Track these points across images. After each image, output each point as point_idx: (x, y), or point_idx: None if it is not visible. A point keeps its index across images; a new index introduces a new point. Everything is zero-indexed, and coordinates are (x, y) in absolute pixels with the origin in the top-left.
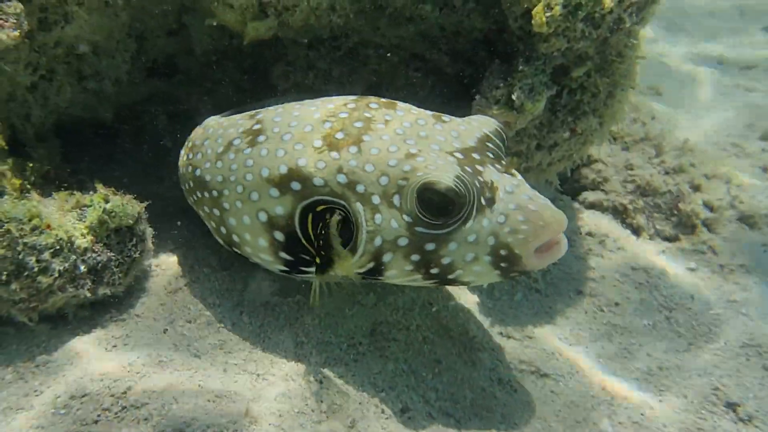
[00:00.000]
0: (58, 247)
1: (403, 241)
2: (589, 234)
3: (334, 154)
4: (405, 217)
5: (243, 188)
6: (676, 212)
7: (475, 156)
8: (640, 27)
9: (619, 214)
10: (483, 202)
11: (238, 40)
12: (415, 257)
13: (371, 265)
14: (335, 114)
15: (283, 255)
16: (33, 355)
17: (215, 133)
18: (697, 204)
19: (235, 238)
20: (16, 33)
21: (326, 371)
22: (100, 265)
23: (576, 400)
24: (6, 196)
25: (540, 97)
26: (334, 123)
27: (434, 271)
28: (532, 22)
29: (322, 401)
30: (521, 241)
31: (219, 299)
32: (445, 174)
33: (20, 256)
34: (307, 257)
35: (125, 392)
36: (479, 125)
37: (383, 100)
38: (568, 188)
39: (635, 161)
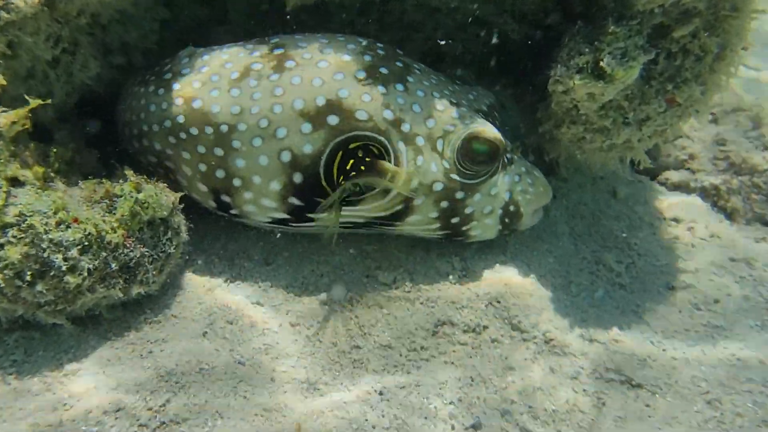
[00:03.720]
0: (86, 243)
1: (438, 186)
2: (675, 219)
3: (380, 87)
4: (444, 162)
5: (268, 122)
6: None
7: (490, 120)
8: None
9: (710, 195)
10: (506, 159)
11: (278, 5)
12: (444, 204)
13: (399, 207)
14: (373, 49)
15: (293, 200)
16: (61, 363)
17: (217, 59)
18: None
19: (236, 182)
20: None
21: (386, 380)
22: (132, 261)
23: (679, 417)
24: (28, 187)
25: (634, 63)
26: (374, 57)
27: (454, 220)
28: None
29: (383, 416)
30: (528, 200)
31: (262, 297)
32: (488, 126)
33: (45, 254)
34: (322, 200)
35: (164, 405)
36: (486, 95)
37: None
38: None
39: (728, 135)
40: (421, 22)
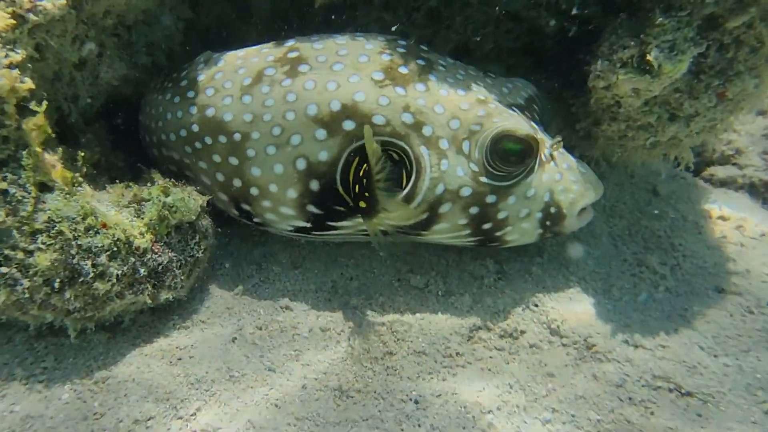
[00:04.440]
0: (115, 249)
1: (466, 191)
2: (722, 218)
3: (399, 89)
4: (472, 165)
5: (281, 130)
6: None
7: (527, 114)
8: None
9: (759, 192)
10: (543, 157)
11: (303, 3)
12: (473, 210)
13: (424, 216)
14: (392, 47)
15: (311, 208)
16: (91, 370)
17: (231, 64)
18: None
19: (253, 191)
20: (63, 1)
21: (421, 388)
22: (160, 267)
23: (734, 428)
24: (56, 192)
25: (684, 57)
26: (394, 56)
27: (486, 226)
28: None
29: (419, 426)
30: (572, 201)
31: (291, 301)
32: (520, 122)
33: (75, 260)
34: (342, 209)
35: (194, 414)
36: (524, 86)
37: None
38: None
39: None
40: (450, 17)
